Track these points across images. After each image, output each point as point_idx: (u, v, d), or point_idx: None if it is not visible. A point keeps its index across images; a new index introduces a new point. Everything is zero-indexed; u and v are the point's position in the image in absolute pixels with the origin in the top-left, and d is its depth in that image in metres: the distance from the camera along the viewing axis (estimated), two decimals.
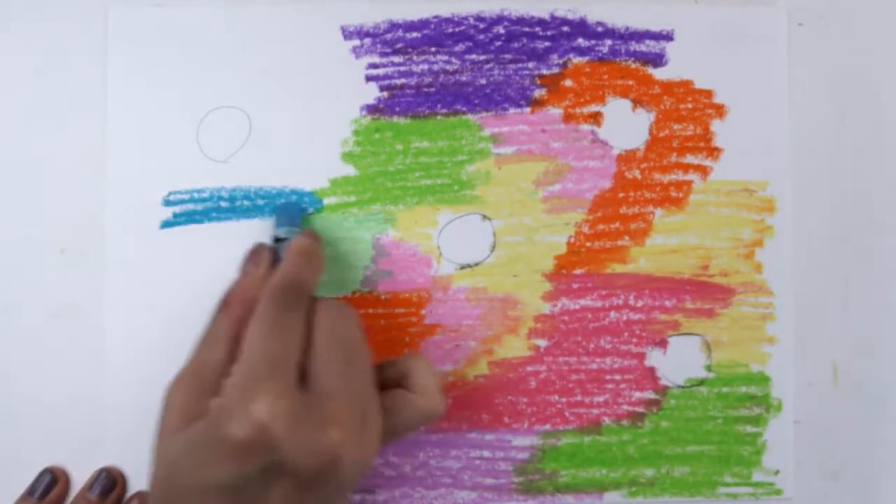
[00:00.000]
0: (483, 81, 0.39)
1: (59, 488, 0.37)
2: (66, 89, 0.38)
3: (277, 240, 0.36)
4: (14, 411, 0.38)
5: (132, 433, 0.38)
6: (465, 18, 0.39)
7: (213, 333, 0.32)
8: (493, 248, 0.39)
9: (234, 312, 0.32)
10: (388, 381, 0.34)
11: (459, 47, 0.39)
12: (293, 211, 0.38)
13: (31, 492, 0.37)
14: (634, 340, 0.39)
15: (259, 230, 0.38)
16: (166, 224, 0.38)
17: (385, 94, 0.39)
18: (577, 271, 0.39)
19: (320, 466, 0.28)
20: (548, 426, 0.39)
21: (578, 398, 0.39)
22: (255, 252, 0.35)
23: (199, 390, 0.30)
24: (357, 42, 0.39)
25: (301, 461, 0.27)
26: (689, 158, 0.39)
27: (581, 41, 0.39)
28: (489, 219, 0.39)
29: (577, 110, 0.39)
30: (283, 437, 0.27)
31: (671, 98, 0.39)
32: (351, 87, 0.39)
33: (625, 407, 0.39)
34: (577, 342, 0.39)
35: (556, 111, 0.39)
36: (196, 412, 0.29)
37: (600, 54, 0.39)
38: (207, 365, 0.31)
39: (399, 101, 0.39)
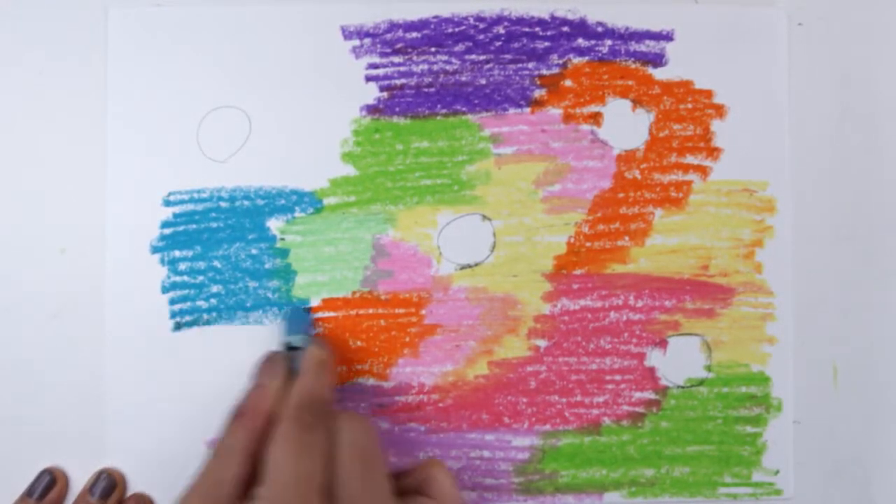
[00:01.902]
0: (483, 81, 0.39)
1: (58, 489, 0.37)
2: (66, 89, 0.38)
3: (289, 347, 0.36)
4: (14, 411, 0.38)
5: (132, 433, 0.38)
6: (465, 18, 0.39)
7: (227, 447, 0.31)
8: (493, 248, 0.39)
9: (249, 425, 0.31)
10: (407, 488, 0.34)
11: (459, 47, 0.39)
12: (302, 317, 0.38)
13: (30, 492, 0.37)
14: (634, 341, 0.39)
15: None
16: (166, 224, 0.38)
17: (385, 94, 0.39)
18: (577, 271, 0.39)
19: None
20: (548, 426, 0.39)
21: (578, 398, 0.39)
22: (270, 362, 0.34)
23: None
24: (357, 42, 0.39)
25: None
26: (689, 158, 0.39)
27: (581, 41, 0.39)
28: (489, 219, 0.39)
29: (577, 110, 0.39)
30: None
31: (671, 98, 0.39)
32: (351, 87, 0.39)
33: (625, 407, 0.39)
34: (577, 342, 0.39)
35: (556, 111, 0.39)
36: None
37: (600, 54, 0.39)
38: (222, 482, 0.30)
39: (399, 102, 0.39)
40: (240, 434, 0.31)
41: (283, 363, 0.34)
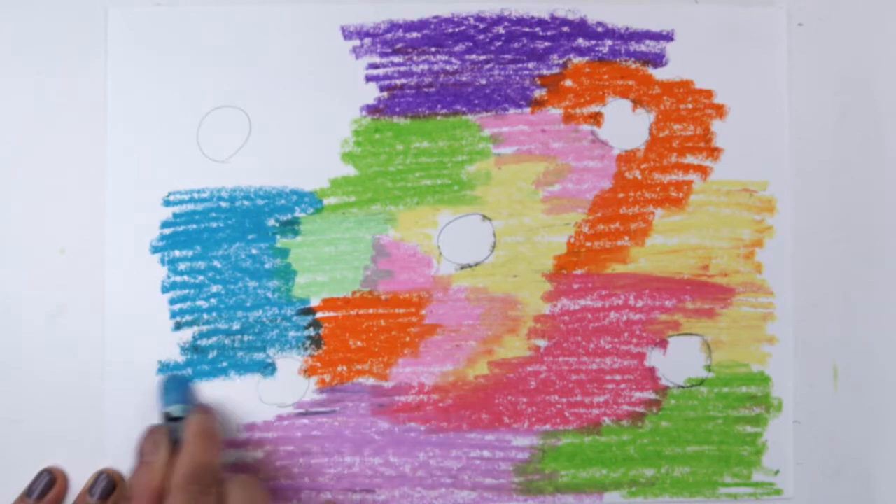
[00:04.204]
0: (483, 81, 0.39)
1: (57, 489, 0.37)
2: (66, 89, 0.38)
3: (170, 418, 0.35)
4: (14, 411, 0.38)
5: (131, 434, 0.38)
6: (465, 18, 0.39)
7: None
8: (494, 248, 0.39)
9: None
10: None
11: (459, 47, 0.39)
12: (181, 383, 0.37)
13: (29, 492, 0.37)
14: (634, 340, 0.39)
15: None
16: (166, 224, 0.38)
17: (385, 94, 0.39)
18: (577, 271, 0.39)
19: None
20: (548, 426, 0.39)
21: (578, 398, 0.39)
22: (151, 437, 0.34)
23: None
24: (357, 42, 0.39)
25: None
26: (689, 158, 0.39)
27: (581, 41, 0.39)
28: (489, 219, 0.39)
29: (577, 110, 0.39)
30: None
31: (671, 98, 0.39)
32: (351, 87, 0.39)
33: (625, 407, 0.39)
34: (577, 342, 0.39)
35: (556, 111, 0.39)
36: None
37: (600, 54, 0.39)
38: None
39: (399, 101, 0.39)
40: None
41: (165, 436, 0.34)
